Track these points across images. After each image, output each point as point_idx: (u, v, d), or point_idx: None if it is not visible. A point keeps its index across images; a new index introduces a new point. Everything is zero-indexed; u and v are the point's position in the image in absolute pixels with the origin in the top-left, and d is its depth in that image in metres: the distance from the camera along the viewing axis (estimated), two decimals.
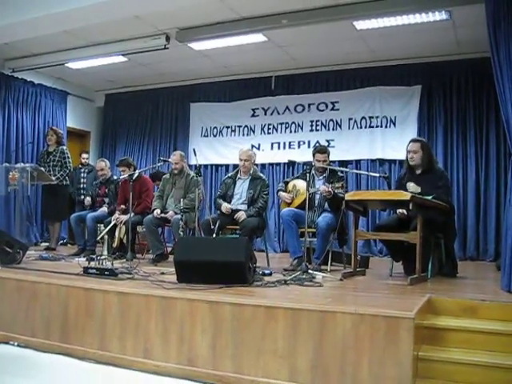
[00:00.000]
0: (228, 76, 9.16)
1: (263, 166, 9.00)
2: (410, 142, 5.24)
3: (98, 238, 6.72)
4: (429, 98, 7.98)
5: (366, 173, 6.18)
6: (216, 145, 9.43)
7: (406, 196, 4.40)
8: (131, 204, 6.01)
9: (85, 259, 6.16)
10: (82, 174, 8.87)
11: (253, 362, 3.50)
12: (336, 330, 3.27)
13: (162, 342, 3.82)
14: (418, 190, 4.87)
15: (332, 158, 8.24)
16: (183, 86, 9.68)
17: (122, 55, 8.02)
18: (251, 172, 6.07)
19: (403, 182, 5.18)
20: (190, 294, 3.82)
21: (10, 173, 7.17)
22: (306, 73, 8.70)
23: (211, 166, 9.45)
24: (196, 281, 4.21)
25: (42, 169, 7.43)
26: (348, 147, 8.38)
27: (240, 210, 5.85)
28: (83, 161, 9.04)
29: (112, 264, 4.86)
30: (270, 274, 5.00)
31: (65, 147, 7.99)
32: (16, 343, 4.40)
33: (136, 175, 6.61)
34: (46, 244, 8.17)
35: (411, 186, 4.98)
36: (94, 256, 6.17)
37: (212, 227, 5.43)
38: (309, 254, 6.05)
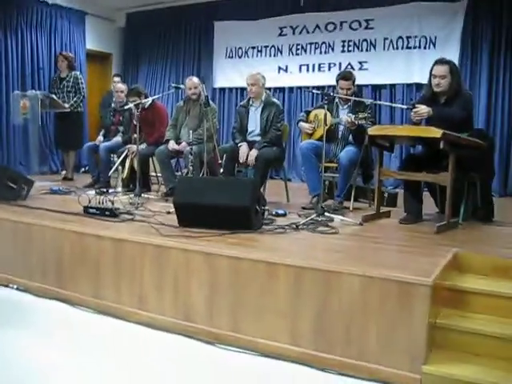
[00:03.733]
0: None
1: (291, 89, 8.47)
2: (436, 63, 4.45)
3: (110, 172, 6.38)
4: (475, 15, 7.10)
5: (392, 104, 5.50)
6: (241, 66, 8.83)
7: (437, 133, 3.82)
8: (138, 134, 5.57)
9: (94, 193, 5.90)
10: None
11: (252, 321, 3.15)
12: (342, 292, 2.86)
13: (157, 294, 3.51)
14: (431, 112, 4.23)
15: (365, 81, 7.73)
16: (207, 3, 9.03)
17: None
18: (263, 98, 5.52)
19: None
20: (186, 242, 3.45)
21: (21, 101, 6.86)
22: None
23: (236, 89, 8.91)
24: (198, 225, 3.87)
25: (54, 96, 7.08)
26: (382, 70, 7.68)
27: (254, 143, 5.36)
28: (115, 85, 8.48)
29: (112, 203, 4.51)
30: (285, 215, 4.58)
31: (78, 72, 7.56)
32: (15, 286, 4.22)
33: (149, 103, 6.18)
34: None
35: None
36: (104, 190, 5.98)
37: (220, 162, 5.00)
38: (332, 189, 5.62)
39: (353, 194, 5.11)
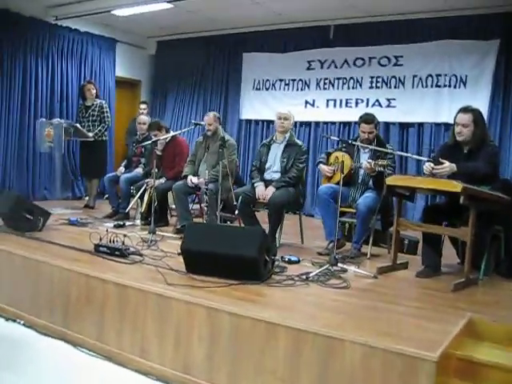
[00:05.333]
0: (282, 24, 8.35)
1: (317, 124, 8.36)
2: (460, 111, 4.26)
3: (128, 208, 6.34)
4: (508, 54, 6.87)
5: (413, 156, 5.28)
6: (268, 99, 8.78)
7: (457, 187, 3.66)
8: (154, 170, 5.53)
9: (112, 225, 5.88)
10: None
11: (251, 380, 3.02)
12: (344, 360, 2.71)
13: (158, 343, 3.42)
14: (454, 169, 4.05)
15: (392, 118, 7.61)
16: (236, 35, 8.99)
17: (167, 2, 7.40)
18: (287, 136, 5.41)
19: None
20: (190, 294, 3.35)
21: (46, 129, 6.94)
22: (368, 22, 7.75)
23: (262, 121, 8.84)
24: (205, 272, 3.77)
25: (78, 125, 7.14)
26: (410, 108, 7.51)
27: (272, 182, 5.25)
28: (141, 112, 8.41)
29: (123, 242, 4.45)
30: (298, 262, 4.46)
31: (104, 101, 7.60)
32: (22, 322, 4.19)
33: (169, 138, 6.16)
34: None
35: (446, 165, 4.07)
36: (121, 223, 5.95)
37: (235, 203, 4.90)
38: (351, 232, 5.46)
39: (371, 241, 4.94)
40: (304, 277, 3.88)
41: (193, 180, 5.77)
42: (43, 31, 8.23)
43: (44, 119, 7.31)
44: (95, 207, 7.51)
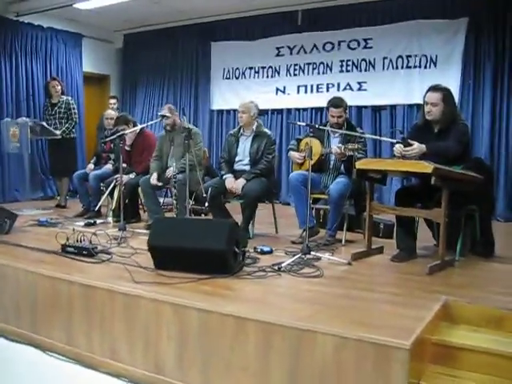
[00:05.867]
0: (250, 11, 8.23)
1: (289, 111, 8.25)
2: (429, 90, 4.17)
3: (99, 204, 6.19)
4: (477, 33, 6.83)
5: (381, 138, 5.19)
6: (238, 88, 8.65)
7: (428, 168, 3.57)
8: (121, 165, 5.37)
9: (84, 223, 5.74)
10: None
11: (223, 378, 2.92)
12: (315, 353, 2.61)
13: (127, 344, 3.30)
14: (424, 149, 3.96)
15: (364, 102, 7.52)
16: (203, 24, 8.86)
17: None
18: (254, 128, 5.29)
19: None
20: (157, 291, 3.23)
21: (11, 129, 6.75)
22: (336, 5, 7.66)
23: (234, 111, 8.68)
24: (174, 268, 3.65)
25: (44, 123, 6.94)
26: (382, 90, 7.45)
27: (243, 173, 5.13)
28: (111, 107, 8.22)
29: (90, 241, 4.32)
30: (271, 252, 4.35)
31: (70, 97, 7.41)
32: None
33: (138, 132, 6.01)
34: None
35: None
36: (91, 221, 5.81)
37: (204, 195, 4.79)
38: (325, 219, 5.37)
39: (345, 226, 4.86)
40: (276, 267, 3.78)
41: (155, 182, 5.61)
42: (4, 28, 8.00)
43: (9, 119, 7.12)
44: (67, 206, 7.34)
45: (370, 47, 7.51)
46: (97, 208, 6.21)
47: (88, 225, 5.72)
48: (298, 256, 3.99)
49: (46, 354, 3.63)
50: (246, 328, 2.81)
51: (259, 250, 4.32)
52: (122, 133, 5.56)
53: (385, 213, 4.29)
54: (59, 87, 7.27)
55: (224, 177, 5.18)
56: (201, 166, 5.54)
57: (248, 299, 3.16)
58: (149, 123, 5.60)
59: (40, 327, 3.78)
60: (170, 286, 3.34)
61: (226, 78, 8.81)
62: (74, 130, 7.31)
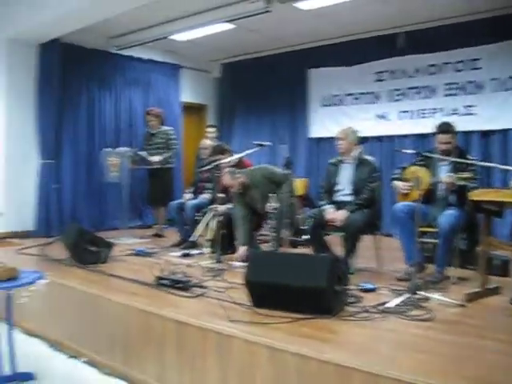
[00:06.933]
0: (346, 36, 8.02)
1: (390, 138, 7.86)
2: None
3: (195, 235, 6.10)
4: None
5: (499, 166, 4.70)
6: (337, 115, 8.39)
7: None
8: (217, 195, 5.28)
9: (180, 254, 5.70)
10: None
11: None
12: None
13: None
14: None
15: (472, 127, 7.01)
16: (300, 51, 8.74)
17: (226, 22, 7.25)
18: (356, 155, 5.01)
19: None
20: (251, 332, 3.02)
21: (111, 159, 6.89)
22: (440, 25, 7.24)
23: (333, 139, 8.36)
24: (271, 305, 3.42)
25: (144, 153, 7.04)
26: (492, 114, 6.92)
27: (344, 204, 4.85)
28: (211, 135, 8.21)
29: (184, 274, 4.22)
30: (374, 290, 4.02)
31: (169, 128, 7.47)
32: (82, 360, 4.04)
33: (234, 161, 5.90)
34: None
35: None
36: (187, 252, 5.74)
37: (302, 228, 4.56)
38: (433, 254, 4.95)
39: (456, 263, 4.44)
40: (381, 308, 3.46)
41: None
42: (106, 62, 8.32)
43: (109, 149, 7.28)
44: (164, 235, 7.37)
45: (479, 68, 7.03)
46: (193, 238, 6.12)
47: (184, 255, 5.66)
48: (405, 296, 3.64)
49: None
50: (350, 378, 2.52)
51: (361, 288, 4.01)
52: (218, 162, 5.49)
53: (503, 250, 3.85)
54: (154, 122, 7.37)
55: (324, 207, 4.91)
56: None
57: (350, 344, 2.87)
58: (245, 152, 5.46)
59: (132, 361, 3.70)
60: (266, 327, 3.11)
61: (325, 105, 8.59)
62: (172, 160, 7.36)
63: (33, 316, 4.56)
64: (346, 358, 2.60)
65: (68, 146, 7.82)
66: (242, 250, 5.25)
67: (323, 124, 8.62)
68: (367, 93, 8.09)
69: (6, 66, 7.18)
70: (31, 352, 4.14)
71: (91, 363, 3.96)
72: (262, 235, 6.26)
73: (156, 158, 7.12)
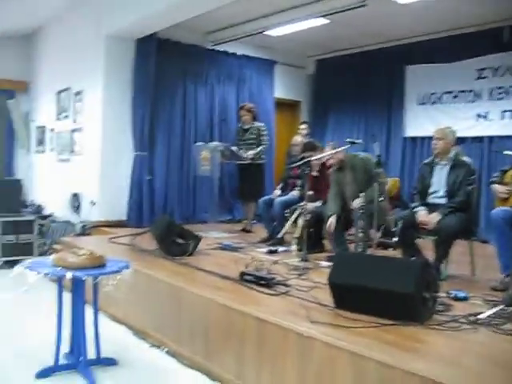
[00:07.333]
0: (446, 32, 7.67)
1: (491, 139, 7.45)
2: None
3: (282, 232, 6.05)
4: None
5: None
6: (435, 114, 8.05)
7: None
8: (306, 192, 5.20)
9: (266, 250, 5.71)
10: None
11: None
12: None
13: None
14: None
15: None
16: (395, 47, 8.47)
17: (321, 17, 7.15)
18: (452, 155, 4.77)
19: None
20: (333, 335, 2.93)
21: (202, 153, 7.00)
22: None
23: (429, 138, 8.06)
24: (354, 309, 3.33)
25: (234, 148, 7.10)
26: None
27: (437, 206, 4.63)
28: (303, 132, 8.20)
29: (269, 271, 4.19)
30: (466, 299, 3.80)
31: (261, 124, 7.48)
32: (165, 349, 4.14)
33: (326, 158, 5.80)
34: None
35: None
36: (273, 249, 5.72)
37: (393, 229, 4.39)
38: None
39: None
40: (472, 319, 3.26)
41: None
42: (201, 57, 8.43)
43: (201, 143, 7.39)
44: (252, 231, 7.40)
45: None
46: (280, 235, 6.09)
47: (270, 252, 5.65)
48: (499, 308, 3.42)
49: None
50: None
51: (453, 296, 3.81)
52: (308, 159, 5.43)
53: None
54: (247, 117, 7.40)
55: (416, 209, 4.71)
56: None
57: (438, 356, 2.71)
58: (338, 150, 5.33)
59: (212, 355, 3.73)
60: (349, 331, 3.01)
61: (421, 104, 8.28)
62: (263, 156, 7.37)
63: (119, 303, 4.73)
64: (433, 370, 2.46)
65: (161, 139, 7.98)
66: (331, 219, 5.20)
67: (419, 123, 8.31)
68: (467, 91, 7.71)
69: (104, 61, 7.42)
70: (115, 338, 4.31)
71: (172, 354, 4.04)
72: (350, 235, 6.13)
73: (250, 153, 7.15)
